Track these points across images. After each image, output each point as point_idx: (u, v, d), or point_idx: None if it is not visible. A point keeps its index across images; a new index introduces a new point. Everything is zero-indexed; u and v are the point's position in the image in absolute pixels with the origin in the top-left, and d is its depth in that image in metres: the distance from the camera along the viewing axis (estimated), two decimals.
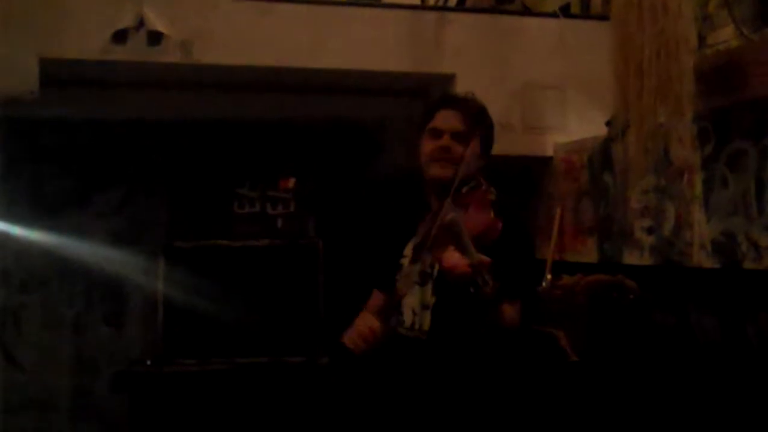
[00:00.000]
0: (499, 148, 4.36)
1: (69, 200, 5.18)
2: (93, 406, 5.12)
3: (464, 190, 2.52)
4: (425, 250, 2.40)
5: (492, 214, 2.38)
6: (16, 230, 4.88)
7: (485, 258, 2.15)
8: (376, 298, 2.71)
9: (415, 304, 2.48)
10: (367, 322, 2.46)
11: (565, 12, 4.86)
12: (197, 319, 4.62)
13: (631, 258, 3.81)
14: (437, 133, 2.57)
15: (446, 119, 2.59)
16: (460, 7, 4.92)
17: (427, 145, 2.59)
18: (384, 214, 2.80)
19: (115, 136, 5.11)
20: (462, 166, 2.51)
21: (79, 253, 5.01)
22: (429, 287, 2.47)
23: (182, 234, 4.99)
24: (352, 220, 5.11)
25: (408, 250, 2.52)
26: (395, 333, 2.49)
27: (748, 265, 3.09)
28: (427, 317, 2.45)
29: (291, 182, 5.27)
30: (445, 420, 2.44)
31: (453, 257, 2.19)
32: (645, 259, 3.70)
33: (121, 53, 3.98)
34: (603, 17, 4.34)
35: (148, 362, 4.71)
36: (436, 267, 2.44)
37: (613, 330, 3.62)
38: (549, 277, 4.17)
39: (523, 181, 4.75)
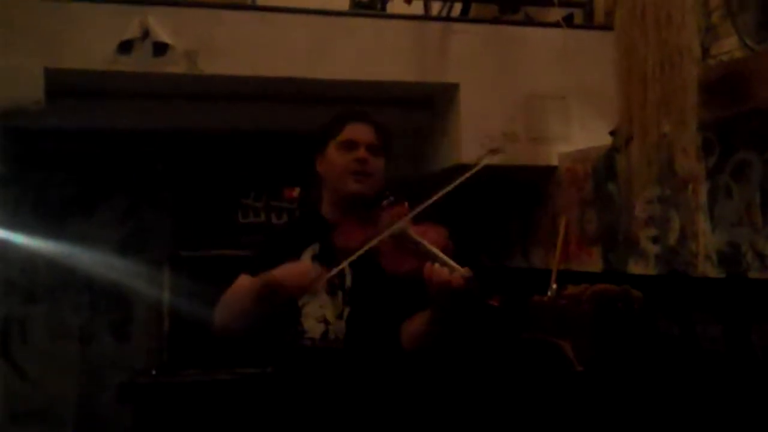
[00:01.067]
0: (503, 157, 4.42)
1: (74, 210, 5.19)
2: (98, 415, 5.12)
3: (384, 203, 2.39)
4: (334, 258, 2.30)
5: (443, 228, 2.29)
6: (22, 240, 4.88)
7: (467, 270, 2.09)
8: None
9: (327, 314, 2.38)
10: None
11: (569, 22, 4.87)
12: (202, 329, 4.56)
13: (636, 268, 3.81)
14: (352, 145, 2.45)
15: (360, 132, 2.48)
16: (464, 17, 4.94)
17: (339, 158, 2.45)
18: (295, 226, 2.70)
19: (120, 146, 5.12)
20: (376, 178, 2.45)
21: (85, 263, 5.02)
22: (339, 297, 2.39)
23: (187, 244, 5.00)
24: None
25: (306, 259, 2.41)
26: (297, 345, 2.41)
27: (752, 274, 3.10)
28: (341, 326, 2.37)
29: (295, 192, 5.28)
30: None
31: (443, 273, 2.10)
32: (650, 269, 3.70)
33: (126, 64, 4.00)
34: (606, 27, 4.36)
35: (153, 372, 4.72)
36: (348, 277, 2.39)
37: (619, 339, 3.62)
38: (554, 286, 4.18)
39: (527, 191, 4.76)
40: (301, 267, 2.31)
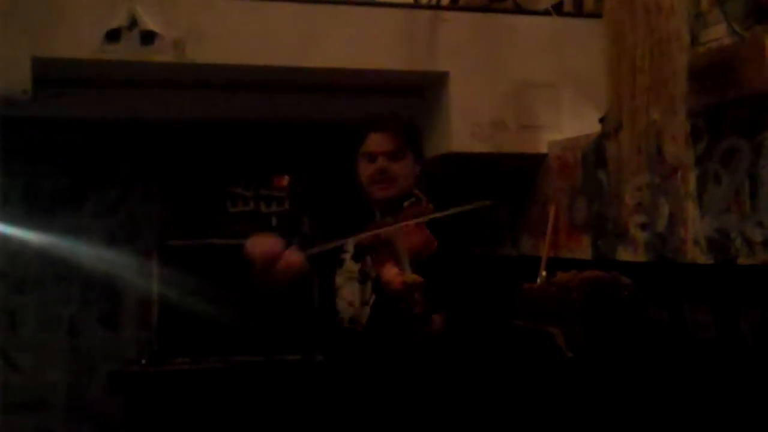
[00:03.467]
0: (493, 146, 4.43)
1: (63, 200, 5.17)
2: (89, 405, 5.12)
3: (406, 204, 2.67)
4: (366, 254, 2.59)
5: (428, 232, 2.51)
6: (11, 231, 4.87)
7: (418, 278, 2.31)
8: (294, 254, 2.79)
9: (354, 299, 2.62)
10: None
11: (558, 10, 4.87)
12: (192, 318, 4.62)
13: (625, 254, 3.82)
14: (371, 157, 2.68)
15: (377, 142, 2.69)
16: (454, 5, 4.93)
17: (365, 169, 2.70)
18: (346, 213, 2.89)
19: (109, 136, 5.10)
20: (400, 182, 2.67)
21: (74, 254, 5.01)
22: (368, 285, 2.60)
23: (177, 233, 5.00)
24: (346, 217, 5.11)
25: (350, 247, 2.64)
26: (331, 324, 2.65)
27: (741, 261, 3.11)
28: (366, 312, 2.59)
29: (285, 180, 5.28)
30: (388, 411, 2.56)
31: (390, 272, 2.37)
32: (639, 256, 3.72)
33: (114, 53, 3.97)
34: (596, 15, 4.35)
35: (144, 362, 4.72)
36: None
37: (608, 326, 3.64)
38: (544, 274, 4.19)
39: (517, 178, 4.76)
40: (265, 239, 2.71)
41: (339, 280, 2.66)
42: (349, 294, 2.63)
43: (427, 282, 2.33)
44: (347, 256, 2.66)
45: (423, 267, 2.40)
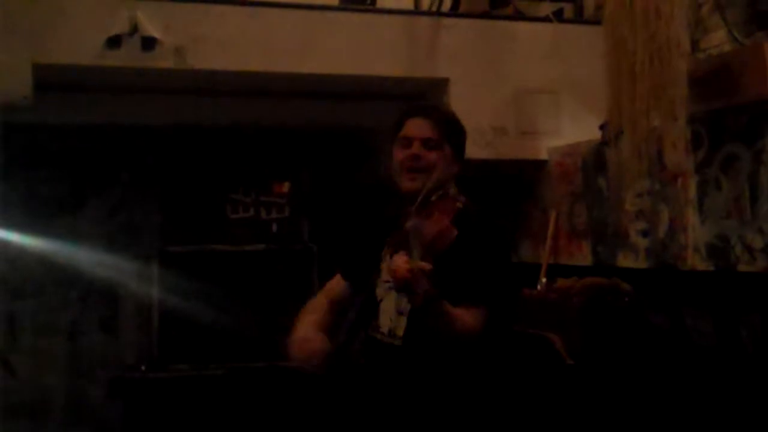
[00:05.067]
0: (493, 152, 4.43)
1: (63, 205, 5.17)
2: (88, 411, 5.11)
3: (433, 198, 2.48)
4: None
5: (447, 222, 2.36)
6: (11, 236, 4.86)
7: (425, 264, 2.16)
8: (337, 284, 2.70)
9: (391, 309, 2.45)
10: (308, 334, 2.52)
11: (559, 17, 4.88)
12: (192, 324, 4.62)
13: (625, 261, 3.82)
14: (407, 142, 2.52)
15: (416, 127, 2.54)
16: (454, 12, 4.93)
17: (398, 154, 2.54)
18: (370, 218, 2.78)
19: (109, 142, 5.10)
20: (434, 173, 2.48)
21: (74, 259, 5.00)
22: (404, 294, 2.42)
23: (176, 239, 4.99)
24: (346, 224, 5.11)
25: (386, 255, 2.48)
26: (372, 339, 2.48)
27: (742, 267, 3.11)
28: (403, 322, 2.42)
29: (285, 187, 5.27)
30: (425, 424, 2.43)
31: (399, 261, 2.18)
32: (640, 262, 3.72)
33: (115, 59, 3.98)
34: (596, 22, 4.35)
35: (143, 367, 4.72)
36: None
37: (608, 333, 3.63)
38: (544, 280, 4.19)
39: (517, 184, 4.76)
40: (308, 344, 2.48)
41: (379, 291, 2.49)
42: (388, 304, 2.47)
43: (446, 268, 2.21)
44: (384, 266, 2.47)
45: (445, 256, 2.25)
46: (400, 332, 2.42)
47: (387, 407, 2.43)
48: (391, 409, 2.43)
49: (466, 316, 2.33)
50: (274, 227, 5.19)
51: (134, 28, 3.98)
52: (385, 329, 2.46)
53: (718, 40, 3.60)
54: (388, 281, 2.44)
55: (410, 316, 2.40)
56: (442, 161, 2.52)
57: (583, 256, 4.20)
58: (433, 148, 2.51)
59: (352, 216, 2.79)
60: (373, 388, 2.47)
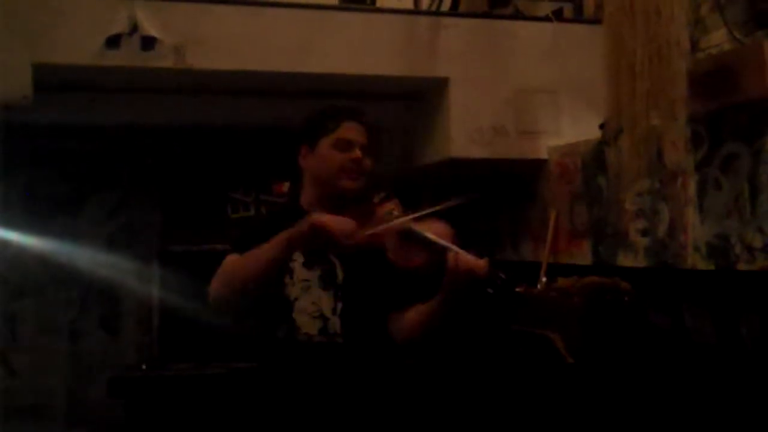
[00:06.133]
0: (493, 151, 4.43)
1: (63, 205, 5.18)
2: (88, 410, 5.11)
3: (376, 199, 2.42)
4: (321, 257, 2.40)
5: (444, 223, 2.30)
6: (11, 236, 4.87)
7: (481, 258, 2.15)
8: None
9: (324, 309, 2.41)
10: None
11: (558, 16, 4.88)
12: (192, 323, 4.61)
13: (625, 260, 3.82)
14: (348, 145, 2.46)
15: (355, 132, 2.49)
16: (454, 11, 4.93)
17: (336, 156, 2.46)
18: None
19: (109, 141, 5.11)
20: (366, 177, 2.47)
21: (74, 258, 5.01)
22: (332, 292, 2.42)
23: (176, 238, 5.00)
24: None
25: (297, 255, 2.41)
26: (294, 341, 2.42)
27: (741, 266, 3.11)
28: (337, 321, 2.39)
29: (284, 186, 5.28)
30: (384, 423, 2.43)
31: (468, 260, 2.14)
32: (639, 261, 3.72)
33: (114, 58, 3.98)
34: (596, 21, 4.36)
35: (144, 367, 4.72)
36: (340, 274, 2.43)
37: (609, 332, 3.63)
38: (544, 279, 4.19)
39: (517, 184, 4.77)
40: (344, 219, 2.27)
41: (293, 290, 2.41)
42: (309, 305, 2.41)
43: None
44: (296, 264, 2.42)
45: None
46: (335, 330, 2.39)
47: (334, 405, 2.39)
48: (339, 407, 2.39)
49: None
50: None
51: (134, 28, 3.98)
52: (310, 330, 2.41)
53: (718, 39, 3.59)
54: (307, 280, 2.41)
55: (343, 314, 2.39)
56: (372, 166, 2.51)
57: (583, 255, 4.20)
58: (369, 153, 2.49)
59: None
60: (317, 387, 2.41)
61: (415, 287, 2.28)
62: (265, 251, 2.31)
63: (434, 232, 2.24)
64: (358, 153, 2.46)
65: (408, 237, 2.25)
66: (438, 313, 2.31)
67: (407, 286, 2.31)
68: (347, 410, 2.38)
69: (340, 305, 2.41)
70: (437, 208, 2.32)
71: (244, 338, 2.59)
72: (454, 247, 2.18)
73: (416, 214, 2.28)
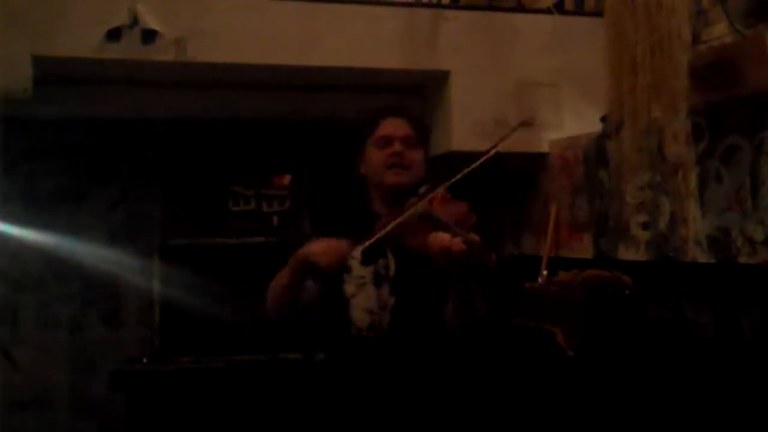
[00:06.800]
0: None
1: (64, 199, 5.17)
2: (90, 404, 5.11)
3: (421, 190, 2.47)
4: (377, 255, 2.45)
5: (465, 205, 2.37)
6: (11, 229, 4.87)
7: (475, 236, 2.15)
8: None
9: (371, 305, 2.47)
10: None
11: (559, 8, 4.87)
12: (193, 317, 4.63)
13: (626, 254, 3.82)
14: (387, 141, 2.54)
15: (394, 126, 2.57)
16: (455, 4, 4.92)
17: (377, 155, 2.55)
18: (347, 214, 2.76)
19: (110, 135, 5.10)
20: (414, 170, 2.53)
21: (75, 252, 5.01)
22: (386, 288, 2.47)
23: (177, 232, 5.00)
24: (347, 216, 5.11)
25: (356, 253, 2.46)
26: (347, 335, 2.49)
27: (742, 259, 3.10)
28: (387, 317, 2.45)
29: (286, 180, 5.28)
30: (415, 416, 2.45)
31: (443, 239, 2.15)
32: (640, 255, 3.71)
33: (115, 51, 3.98)
34: (597, 13, 4.35)
35: (145, 360, 4.72)
36: (392, 268, 2.48)
37: (610, 325, 3.63)
38: (545, 273, 4.19)
39: (518, 177, 4.76)
40: (332, 243, 2.38)
41: (349, 287, 2.49)
42: (364, 301, 2.47)
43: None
44: (354, 262, 2.48)
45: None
46: (385, 326, 2.45)
47: (379, 399, 2.44)
48: (384, 400, 2.43)
49: (480, 302, 2.37)
50: (275, 220, 5.20)
51: (134, 21, 3.97)
52: (362, 324, 2.47)
53: (720, 31, 3.59)
54: (362, 277, 2.48)
55: (394, 310, 2.45)
56: (419, 160, 2.57)
57: (584, 248, 4.20)
58: (412, 147, 2.55)
59: (342, 209, 2.78)
60: (365, 382, 2.46)
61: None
62: (281, 277, 2.50)
63: (448, 212, 2.26)
64: (397, 147, 2.52)
65: (425, 222, 2.26)
66: (455, 300, 2.33)
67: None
68: (389, 404, 2.43)
69: (392, 300, 2.46)
70: (457, 177, 2.36)
71: (303, 329, 2.67)
72: (452, 225, 2.18)
73: (401, 218, 2.30)
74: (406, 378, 2.44)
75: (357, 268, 2.50)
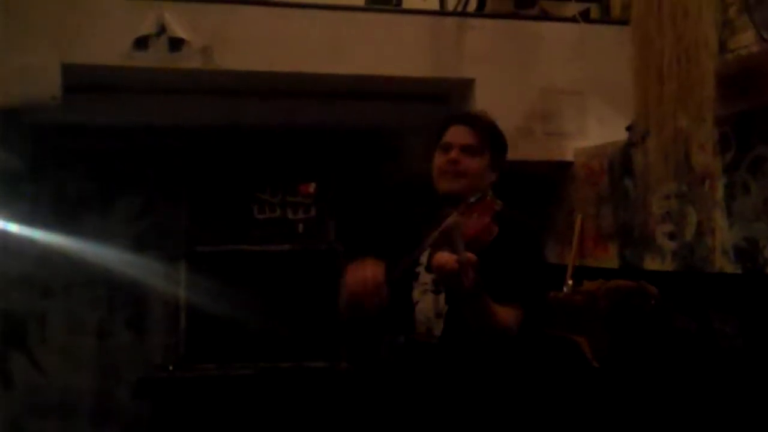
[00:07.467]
0: (519, 153, 4.40)
1: (91, 206, 5.22)
2: (115, 411, 5.15)
3: (472, 200, 2.52)
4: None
5: (488, 219, 2.39)
6: (39, 235, 4.91)
7: (472, 256, 2.17)
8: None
9: (429, 312, 2.52)
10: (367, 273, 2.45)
11: (585, 17, 4.85)
12: (219, 324, 4.65)
13: (652, 264, 3.79)
14: (447, 147, 2.60)
15: (456, 134, 2.62)
16: (480, 12, 4.92)
17: (438, 159, 2.62)
18: (404, 220, 2.80)
19: (137, 142, 5.14)
20: (470, 178, 2.56)
21: (102, 259, 5.04)
22: (442, 296, 2.51)
23: (203, 239, 5.02)
24: (373, 225, 5.11)
25: (424, 259, 2.52)
26: (410, 340, 2.54)
27: None
28: (440, 324, 2.50)
29: (311, 187, 5.29)
30: (460, 422, 2.48)
31: (443, 257, 2.21)
32: (666, 265, 3.69)
33: (142, 59, 4.01)
34: (623, 22, 4.33)
35: (170, 367, 4.74)
36: None
37: (635, 336, 3.61)
38: (570, 282, 4.17)
39: (543, 186, 4.74)
40: (366, 275, 2.41)
41: (416, 293, 2.55)
42: (425, 307, 2.53)
43: (486, 267, 2.22)
44: (421, 269, 2.55)
45: (484, 255, 2.24)
46: (438, 332, 2.49)
47: (425, 404, 2.49)
48: (430, 406, 2.48)
49: (504, 314, 2.38)
50: (301, 227, 5.21)
51: (161, 29, 4.01)
52: (422, 329, 2.52)
53: (747, 40, 3.56)
54: (426, 284, 2.53)
55: (447, 317, 2.48)
56: (480, 167, 2.59)
57: (609, 258, 4.17)
58: (473, 155, 2.58)
59: (383, 218, 2.81)
60: (411, 386, 2.52)
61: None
62: (341, 289, 2.52)
63: (468, 226, 2.30)
64: (452, 154, 2.57)
65: (447, 236, 2.27)
66: (463, 312, 2.35)
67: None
68: (437, 411, 2.47)
69: (446, 309, 2.50)
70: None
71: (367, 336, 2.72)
72: (456, 241, 2.20)
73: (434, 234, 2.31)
74: (449, 385, 2.48)
75: (424, 275, 2.55)
